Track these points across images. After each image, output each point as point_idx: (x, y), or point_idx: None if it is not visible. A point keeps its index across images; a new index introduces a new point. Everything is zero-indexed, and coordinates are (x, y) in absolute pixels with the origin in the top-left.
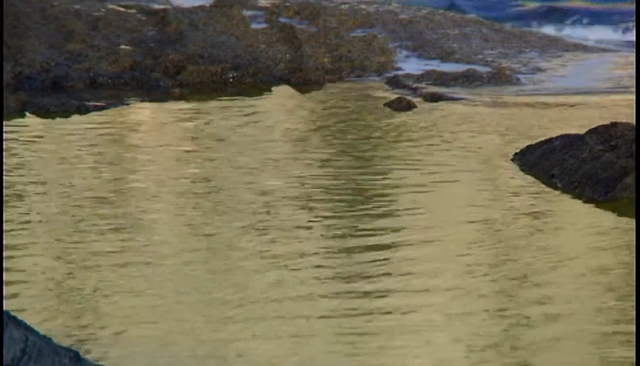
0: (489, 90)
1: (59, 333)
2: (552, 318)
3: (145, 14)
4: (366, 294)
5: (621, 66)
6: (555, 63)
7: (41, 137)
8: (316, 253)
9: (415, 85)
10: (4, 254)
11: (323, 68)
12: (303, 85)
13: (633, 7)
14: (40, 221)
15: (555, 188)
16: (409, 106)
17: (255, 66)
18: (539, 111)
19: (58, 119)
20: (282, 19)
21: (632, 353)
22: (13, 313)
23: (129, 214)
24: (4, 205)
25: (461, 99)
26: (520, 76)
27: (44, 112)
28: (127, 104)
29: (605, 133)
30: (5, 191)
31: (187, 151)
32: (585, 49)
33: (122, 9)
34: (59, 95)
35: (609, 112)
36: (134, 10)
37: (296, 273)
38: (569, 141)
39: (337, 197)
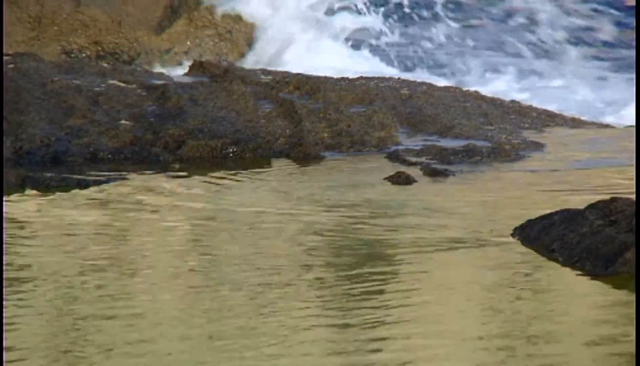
0: (488, 165)
1: None
2: None
3: (145, 89)
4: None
5: (620, 139)
6: (554, 138)
7: (38, 213)
8: (310, 313)
9: (415, 160)
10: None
11: (323, 143)
12: (303, 159)
13: None
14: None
15: (556, 262)
16: (409, 181)
17: (255, 140)
18: (538, 185)
19: (58, 194)
20: (282, 94)
21: None
22: None
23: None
24: (4, 284)
25: (461, 174)
26: (519, 151)
27: (44, 187)
28: (127, 179)
29: (605, 208)
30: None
31: (185, 233)
32: (584, 124)
33: (122, 84)
34: (59, 170)
35: (609, 187)
36: (134, 86)
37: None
38: (569, 216)
39: (331, 270)
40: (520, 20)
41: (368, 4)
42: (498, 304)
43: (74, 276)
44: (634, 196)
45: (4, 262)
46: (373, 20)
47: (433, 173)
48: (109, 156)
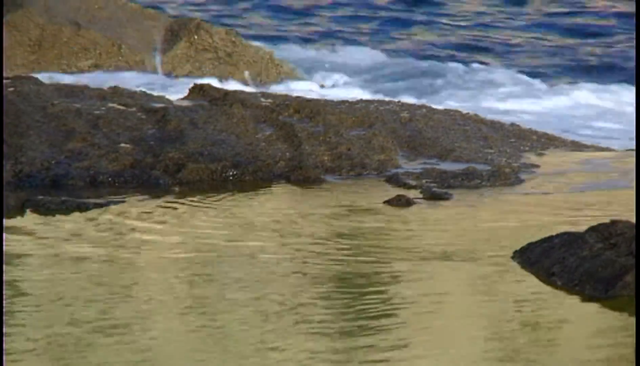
0: (488, 188)
1: None
2: None
3: (145, 112)
4: None
5: (620, 161)
6: (554, 161)
7: (37, 238)
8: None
9: (414, 183)
10: None
11: (323, 166)
12: (303, 183)
13: None
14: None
15: (556, 286)
16: (409, 204)
17: (255, 164)
18: (538, 208)
19: (58, 216)
20: (282, 118)
21: None
22: None
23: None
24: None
25: (461, 197)
26: (519, 174)
27: (44, 210)
28: (126, 202)
29: (605, 231)
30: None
31: (185, 260)
32: (584, 146)
33: (122, 108)
34: (59, 193)
35: (609, 210)
36: (134, 109)
37: None
38: (568, 239)
39: (326, 306)
40: None
41: None
42: (498, 328)
43: (71, 301)
44: (633, 219)
45: (4, 280)
46: None
47: (433, 196)
48: (109, 179)
